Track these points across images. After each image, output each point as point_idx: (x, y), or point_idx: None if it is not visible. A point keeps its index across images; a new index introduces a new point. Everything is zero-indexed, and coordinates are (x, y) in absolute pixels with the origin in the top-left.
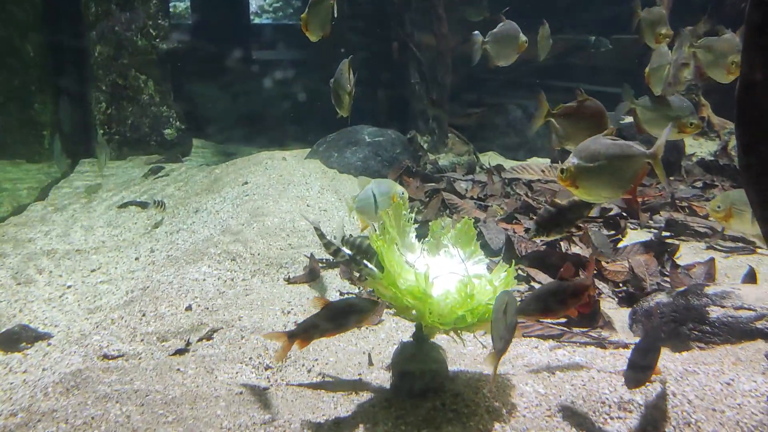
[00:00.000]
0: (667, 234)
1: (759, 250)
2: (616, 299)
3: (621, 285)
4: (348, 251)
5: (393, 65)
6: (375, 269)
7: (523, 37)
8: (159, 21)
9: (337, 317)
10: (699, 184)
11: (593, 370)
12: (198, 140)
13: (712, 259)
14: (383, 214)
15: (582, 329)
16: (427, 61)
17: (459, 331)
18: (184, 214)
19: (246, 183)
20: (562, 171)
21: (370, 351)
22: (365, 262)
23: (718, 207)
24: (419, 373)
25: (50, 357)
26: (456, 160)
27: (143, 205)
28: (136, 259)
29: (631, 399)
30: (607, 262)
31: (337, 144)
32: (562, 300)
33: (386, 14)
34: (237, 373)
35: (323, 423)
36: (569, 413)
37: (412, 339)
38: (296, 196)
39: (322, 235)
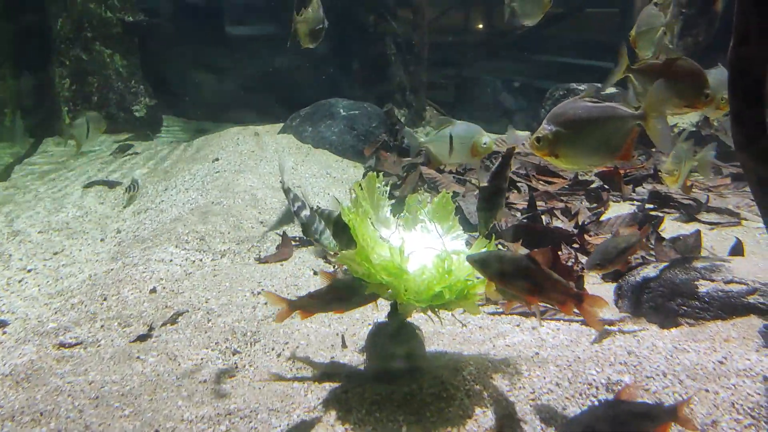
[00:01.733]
0: (651, 206)
1: (744, 222)
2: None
3: None
4: (303, 220)
5: (369, 36)
6: (329, 242)
7: None
8: None
9: (340, 295)
10: None
11: (579, 350)
12: (168, 118)
13: (698, 231)
14: (355, 186)
15: None
16: (404, 33)
17: (436, 309)
18: (153, 193)
19: (216, 159)
20: (538, 140)
21: (343, 332)
22: (318, 238)
23: (675, 171)
24: (395, 355)
25: (3, 346)
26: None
27: (110, 185)
28: (102, 240)
29: (619, 380)
30: (590, 236)
31: (311, 118)
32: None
33: None
34: (202, 359)
35: (292, 412)
36: (554, 396)
37: (387, 319)
38: (269, 172)
39: (287, 191)
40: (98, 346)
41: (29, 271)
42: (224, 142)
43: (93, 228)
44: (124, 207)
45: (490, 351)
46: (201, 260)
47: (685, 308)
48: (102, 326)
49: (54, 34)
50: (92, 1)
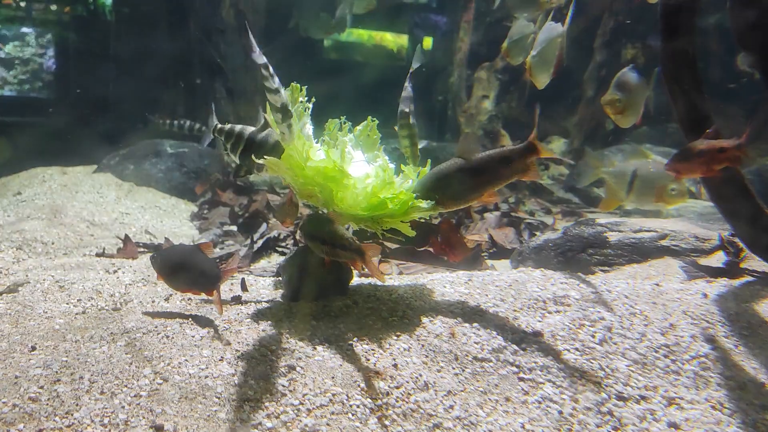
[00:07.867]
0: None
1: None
2: (487, 256)
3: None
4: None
5: (195, 76)
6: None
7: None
8: None
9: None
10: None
11: (509, 278)
12: None
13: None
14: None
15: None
16: (233, 74)
17: (378, 221)
18: None
19: (19, 194)
20: None
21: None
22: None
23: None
24: (320, 276)
25: None
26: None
27: None
28: None
29: (566, 294)
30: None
31: (133, 156)
32: None
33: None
34: (64, 311)
35: (211, 324)
36: (505, 306)
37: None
38: (88, 201)
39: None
40: None
41: None
42: (25, 180)
43: None
44: None
45: (418, 281)
46: (25, 260)
47: (597, 257)
48: None
49: None
50: None
